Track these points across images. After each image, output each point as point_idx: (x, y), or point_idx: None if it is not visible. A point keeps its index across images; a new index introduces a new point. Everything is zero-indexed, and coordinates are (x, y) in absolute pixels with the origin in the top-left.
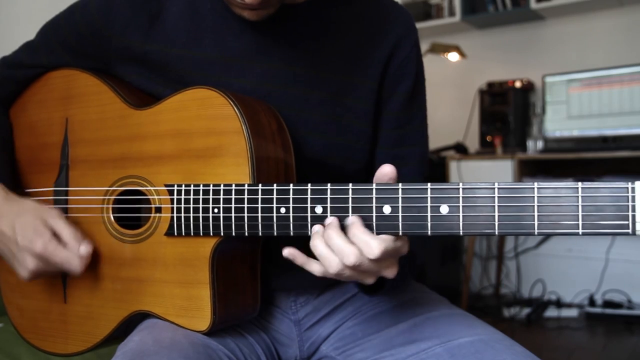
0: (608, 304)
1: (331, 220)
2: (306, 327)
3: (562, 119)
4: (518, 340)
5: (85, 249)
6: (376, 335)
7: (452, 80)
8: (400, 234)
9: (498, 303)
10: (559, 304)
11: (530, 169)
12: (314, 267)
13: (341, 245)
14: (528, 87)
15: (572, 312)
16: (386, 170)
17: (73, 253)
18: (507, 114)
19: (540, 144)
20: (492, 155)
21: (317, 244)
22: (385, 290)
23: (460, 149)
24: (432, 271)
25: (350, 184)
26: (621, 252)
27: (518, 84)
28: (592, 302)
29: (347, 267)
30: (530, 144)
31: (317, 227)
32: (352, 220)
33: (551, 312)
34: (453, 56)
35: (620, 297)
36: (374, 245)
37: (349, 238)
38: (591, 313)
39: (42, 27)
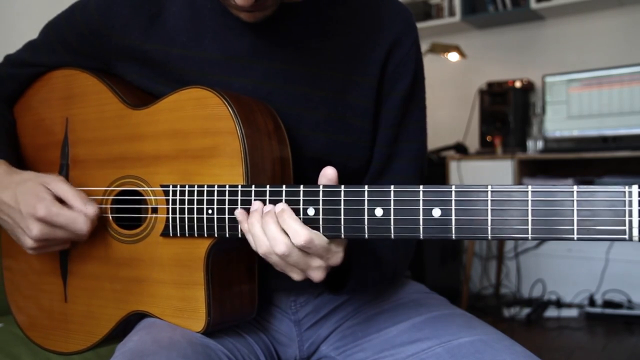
0: (608, 304)
1: (269, 207)
2: (306, 327)
3: (562, 119)
4: (518, 340)
5: (91, 209)
6: (376, 335)
7: (452, 80)
8: (393, 237)
9: (498, 303)
10: (559, 304)
11: (530, 169)
12: (260, 242)
13: (275, 233)
14: (528, 87)
15: (572, 312)
16: (326, 173)
17: (78, 213)
18: (507, 114)
19: (540, 144)
20: (492, 155)
21: (254, 222)
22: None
23: (460, 149)
24: (432, 271)
25: (342, 186)
26: (621, 252)
27: (518, 84)
28: (592, 302)
29: (275, 254)
30: (530, 144)
31: (257, 205)
32: (283, 207)
33: (551, 312)
34: (453, 56)
35: (620, 297)
36: (301, 233)
37: (280, 224)
38: (591, 313)
39: (44, 27)
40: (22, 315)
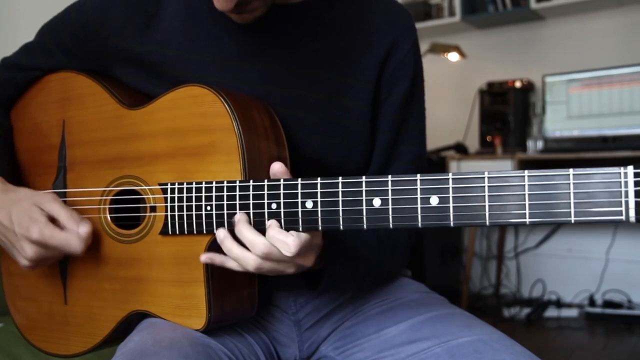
0: (608, 304)
1: (240, 216)
2: (306, 327)
3: (562, 119)
4: (518, 340)
5: (84, 229)
6: (376, 335)
7: (452, 80)
8: (391, 226)
9: (498, 303)
10: (559, 304)
11: (530, 169)
12: (232, 264)
13: (252, 239)
14: (528, 87)
15: (572, 312)
16: (274, 170)
17: (72, 234)
18: (507, 114)
19: (540, 144)
20: (492, 155)
21: (230, 246)
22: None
23: (460, 149)
24: (432, 271)
25: (340, 178)
26: (621, 252)
27: (518, 84)
28: (592, 302)
29: (262, 259)
30: (530, 144)
31: (223, 233)
32: (269, 222)
33: (551, 312)
34: (453, 56)
35: (620, 297)
36: (290, 242)
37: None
38: (591, 313)
39: (40, 29)
40: (22, 318)
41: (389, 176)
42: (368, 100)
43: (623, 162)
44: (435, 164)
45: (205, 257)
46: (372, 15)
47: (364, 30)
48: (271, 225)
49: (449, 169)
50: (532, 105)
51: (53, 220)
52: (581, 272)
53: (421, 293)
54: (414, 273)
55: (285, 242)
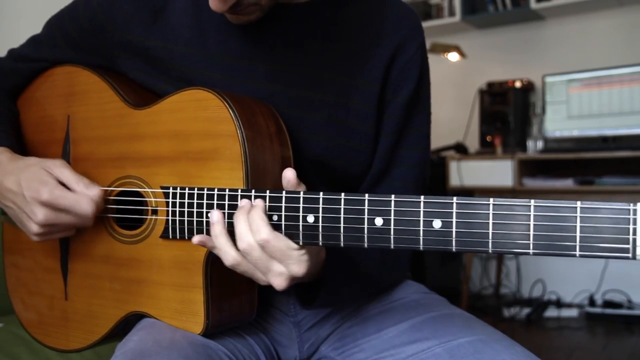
0: (608, 304)
1: (244, 203)
2: (306, 328)
3: (562, 119)
4: (518, 340)
5: (94, 190)
6: (376, 335)
7: (452, 80)
8: (392, 247)
9: (498, 303)
10: (559, 304)
11: (530, 169)
12: (218, 252)
13: (242, 232)
14: (528, 87)
15: (572, 312)
16: (286, 175)
17: (81, 195)
18: (507, 114)
19: (540, 144)
20: (492, 155)
21: (219, 233)
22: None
23: (460, 149)
24: (432, 271)
25: (343, 194)
26: None
27: (518, 84)
28: (592, 302)
29: (240, 254)
30: (530, 144)
31: (217, 216)
32: (257, 202)
33: (551, 312)
34: (453, 56)
35: (620, 297)
36: (263, 231)
37: (248, 221)
38: (591, 313)
39: (47, 21)
40: (25, 311)
41: (392, 196)
42: (374, 102)
43: (623, 162)
44: (436, 164)
45: (196, 240)
46: (379, 16)
47: (371, 31)
48: (257, 205)
49: (449, 168)
50: (532, 105)
51: (63, 185)
52: (581, 272)
53: (421, 293)
54: (414, 273)
55: (260, 228)
